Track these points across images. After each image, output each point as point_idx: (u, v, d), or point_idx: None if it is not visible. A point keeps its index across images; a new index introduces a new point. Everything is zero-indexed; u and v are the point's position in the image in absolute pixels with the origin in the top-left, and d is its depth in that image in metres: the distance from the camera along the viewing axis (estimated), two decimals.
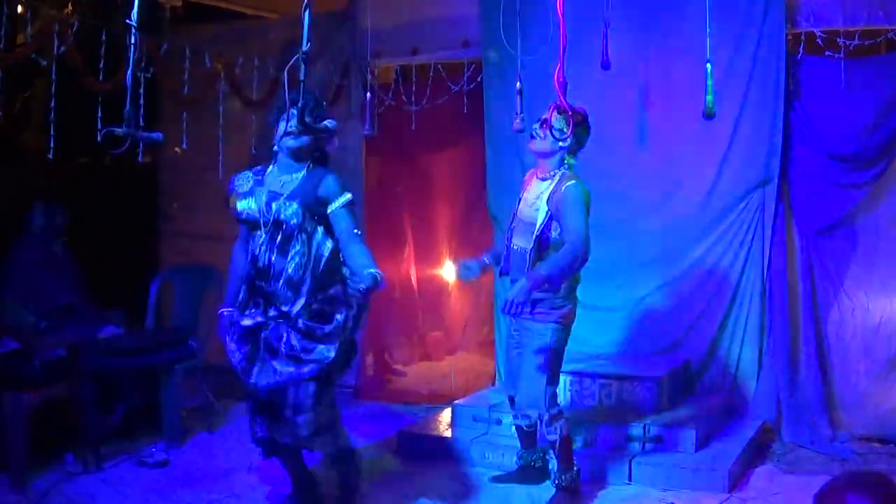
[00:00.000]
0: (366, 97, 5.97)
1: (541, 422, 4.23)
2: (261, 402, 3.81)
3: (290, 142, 3.76)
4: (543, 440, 4.35)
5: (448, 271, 7.51)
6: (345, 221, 3.77)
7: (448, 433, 5.20)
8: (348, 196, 3.80)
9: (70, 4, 4.93)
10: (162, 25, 5.34)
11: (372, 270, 3.64)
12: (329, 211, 3.77)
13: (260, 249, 3.75)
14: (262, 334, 3.76)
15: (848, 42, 5.11)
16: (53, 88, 4.86)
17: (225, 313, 3.91)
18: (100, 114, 4.87)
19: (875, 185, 5.29)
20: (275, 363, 3.72)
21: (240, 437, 5.34)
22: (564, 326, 4.21)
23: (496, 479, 4.62)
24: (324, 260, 3.75)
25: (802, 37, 5.31)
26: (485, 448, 4.93)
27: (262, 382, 3.73)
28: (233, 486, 4.50)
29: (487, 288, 6.44)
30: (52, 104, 4.86)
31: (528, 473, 4.57)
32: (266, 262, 3.73)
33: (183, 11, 5.87)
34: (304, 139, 3.74)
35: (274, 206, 3.72)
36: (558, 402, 4.28)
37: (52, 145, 4.86)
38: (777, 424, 5.34)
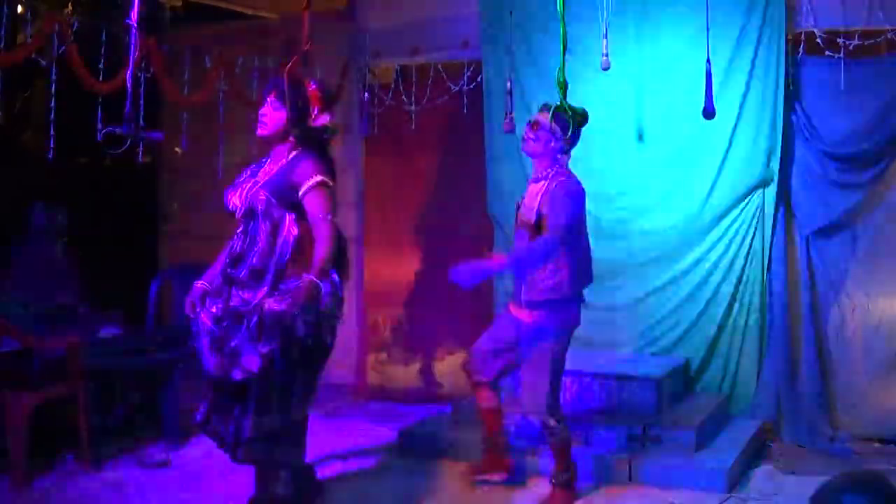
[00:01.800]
0: (364, 97, 5.98)
1: (541, 425, 4.25)
2: (211, 388, 3.85)
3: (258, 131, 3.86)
4: (534, 440, 4.36)
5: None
6: (313, 205, 3.70)
7: (448, 433, 5.20)
8: (318, 178, 3.71)
9: (70, 4, 4.93)
10: (162, 25, 5.33)
11: (310, 277, 3.57)
12: (300, 195, 3.71)
13: (235, 237, 3.82)
14: (224, 324, 3.73)
15: (848, 42, 5.11)
16: (53, 88, 4.86)
17: (199, 284, 3.91)
18: (100, 114, 4.86)
19: (875, 185, 5.30)
20: (218, 356, 3.71)
21: None
22: (565, 330, 4.20)
23: (464, 475, 4.61)
24: (289, 248, 3.71)
25: (802, 37, 5.32)
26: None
27: (208, 369, 3.77)
28: (233, 486, 4.50)
29: (488, 288, 6.43)
30: (52, 104, 4.85)
31: (495, 461, 4.56)
32: (237, 250, 3.78)
33: (183, 11, 5.86)
34: (270, 131, 3.80)
35: (248, 195, 3.77)
36: (559, 405, 4.26)
37: (52, 145, 4.85)
38: (777, 424, 5.35)
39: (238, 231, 3.84)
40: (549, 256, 4.06)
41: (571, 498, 4.33)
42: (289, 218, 3.74)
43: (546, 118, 4.13)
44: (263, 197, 3.72)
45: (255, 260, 3.71)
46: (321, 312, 3.66)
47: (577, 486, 4.37)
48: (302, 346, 3.68)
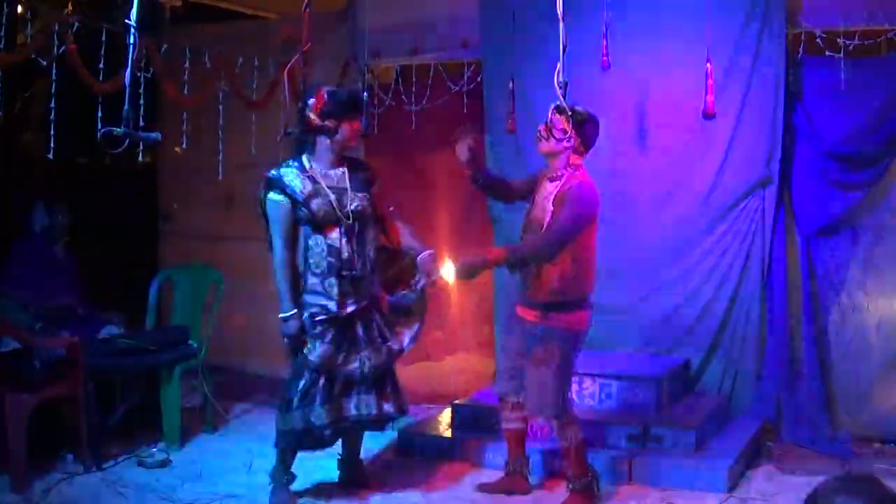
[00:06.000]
0: (364, 97, 5.97)
1: (552, 429, 4.23)
2: (353, 384, 4.16)
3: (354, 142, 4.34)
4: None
5: (448, 271, 7.50)
6: (383, 200, 4.34)
7: (448, 433, 5.21)
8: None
9: (70, 4, 4.92)
10: (162, 25, 5.32)
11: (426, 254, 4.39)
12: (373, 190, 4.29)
13: (341, 242, 4.11)
14: (359, 320, 4.15)
15: (848, 42, 5.11)
16: (53, 88, 4.85)
17: (292, 317, 4.12)
18: (100, 114, 4.86)
19: (875, 185, 5.29)
20: (382, 344, 4.21)
21: (240, 437, 5.35)
22: (575, 332, 4.19)
23: (482, 488, 4.54)
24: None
25: (802, 37, 5.31)
26: (485, 448, 4.92)
27: (373, 362, 4.16)
28: (233, 486, 4.50)
29: (487, 287, 6.44)
30: (52, 104, 4.85)
31: (517, 483, 4.49)
32: (350, 252, 4.11)
33: (183, 11, 5.85)
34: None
35: (345, 199, 4.12)
36: (570, 408, 4.24)
37: (52, 145, 4.85)
38: (777, 424, 5.34)
39: (336, 236, 4.10)
40: (544, 253, 4.07)
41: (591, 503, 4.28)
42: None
43: (558, 118, 4.12)
44: (367, 198, 4.22)
45: (371, 254, 4.21)
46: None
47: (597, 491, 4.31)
48: None
